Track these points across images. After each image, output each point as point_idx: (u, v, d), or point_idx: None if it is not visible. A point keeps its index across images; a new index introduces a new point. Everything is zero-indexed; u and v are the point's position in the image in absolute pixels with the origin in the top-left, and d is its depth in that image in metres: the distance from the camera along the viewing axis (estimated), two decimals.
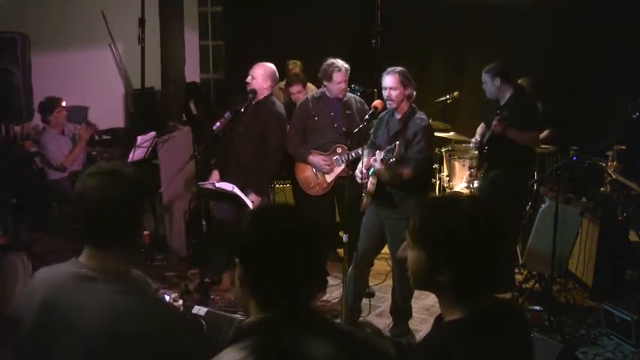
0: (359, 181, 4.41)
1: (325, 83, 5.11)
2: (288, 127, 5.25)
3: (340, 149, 5.08)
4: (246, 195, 4.82)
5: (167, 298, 2.64)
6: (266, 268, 1.45)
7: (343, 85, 5.07)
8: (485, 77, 5.14)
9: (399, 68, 4.31)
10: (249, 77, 5.05)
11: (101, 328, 1.73)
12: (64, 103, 5.75)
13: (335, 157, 5.11)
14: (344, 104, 5.12)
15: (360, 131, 4.46)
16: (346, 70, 5.03)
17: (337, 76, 5.02)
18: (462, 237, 1.62)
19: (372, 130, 4.56)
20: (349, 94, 5.22)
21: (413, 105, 4.34)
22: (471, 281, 1.65)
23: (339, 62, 5.04)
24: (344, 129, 5.04)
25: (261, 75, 5.03)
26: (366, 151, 4.52)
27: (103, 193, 1.78)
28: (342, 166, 5.04)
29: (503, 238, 1.74)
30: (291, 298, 1.46)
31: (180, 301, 2.62)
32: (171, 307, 1.95)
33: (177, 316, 1.94)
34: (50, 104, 5.70)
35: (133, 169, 1.88)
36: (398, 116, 4.33)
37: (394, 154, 4.03)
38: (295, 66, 6.71)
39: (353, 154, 4.70)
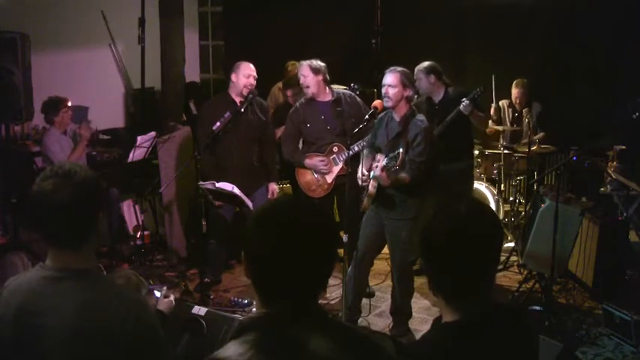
0: (360, 184, 4.39)
1: None
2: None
3: (336, 148, 5.07)
4: (251, 196, 4.85)
5: (157, 294, 2.60)
6: (266, 266, 1.47)
7: (302, 80, 5.04)
8: (420, 74, 5.29)
9: (401, 68, 4.30)
10: (252, 78, 5.09)
11: (73, 326, 1.75)
12: (69, 103, 5.70)
13: (332, 157, 5.09)
14: (333, 103, 5.08)
15: (360, 131, 4.45)
16: (307, 66, 4.98)
17: (300, 72, 5.07)
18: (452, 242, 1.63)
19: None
20: (339, 91, 5.19)
21: (413, 107, 4.33)
22: (457, 284, 1.66)
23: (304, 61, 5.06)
24: (338, 129, 5.03)
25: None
26: (365, 151, 4.51)
27: (58, 195, 1.78)
28: (340, 165, 5.03)
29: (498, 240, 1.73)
30: (291, 297, 1.47)
31: (172, 297, 2.60)
32: (142, 301, 1.96)
33: (148, 308, 1.95)
34: (55, 104, 5.63)
35: (87, 169, 1.88)
36: (397, 118, 4.32)
37: (397, 162, 4.00)
38: (295, 67, 6.69)
39: (350, 152, 4.69)
